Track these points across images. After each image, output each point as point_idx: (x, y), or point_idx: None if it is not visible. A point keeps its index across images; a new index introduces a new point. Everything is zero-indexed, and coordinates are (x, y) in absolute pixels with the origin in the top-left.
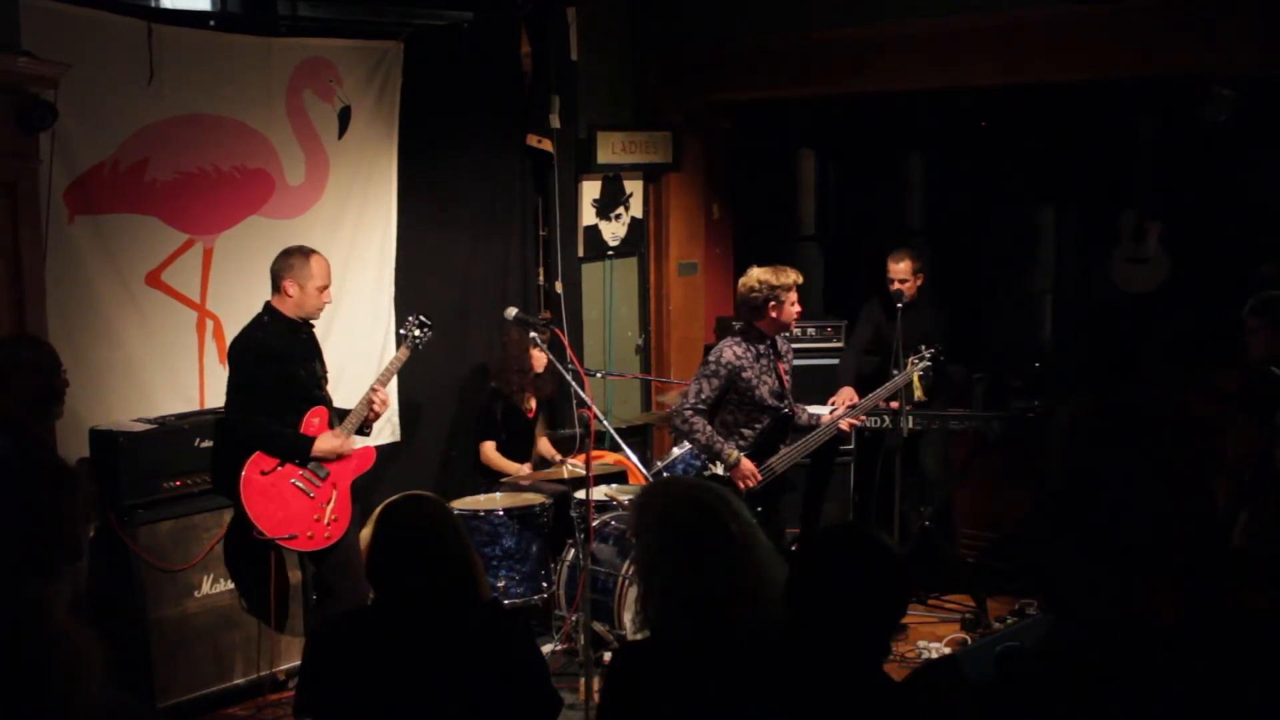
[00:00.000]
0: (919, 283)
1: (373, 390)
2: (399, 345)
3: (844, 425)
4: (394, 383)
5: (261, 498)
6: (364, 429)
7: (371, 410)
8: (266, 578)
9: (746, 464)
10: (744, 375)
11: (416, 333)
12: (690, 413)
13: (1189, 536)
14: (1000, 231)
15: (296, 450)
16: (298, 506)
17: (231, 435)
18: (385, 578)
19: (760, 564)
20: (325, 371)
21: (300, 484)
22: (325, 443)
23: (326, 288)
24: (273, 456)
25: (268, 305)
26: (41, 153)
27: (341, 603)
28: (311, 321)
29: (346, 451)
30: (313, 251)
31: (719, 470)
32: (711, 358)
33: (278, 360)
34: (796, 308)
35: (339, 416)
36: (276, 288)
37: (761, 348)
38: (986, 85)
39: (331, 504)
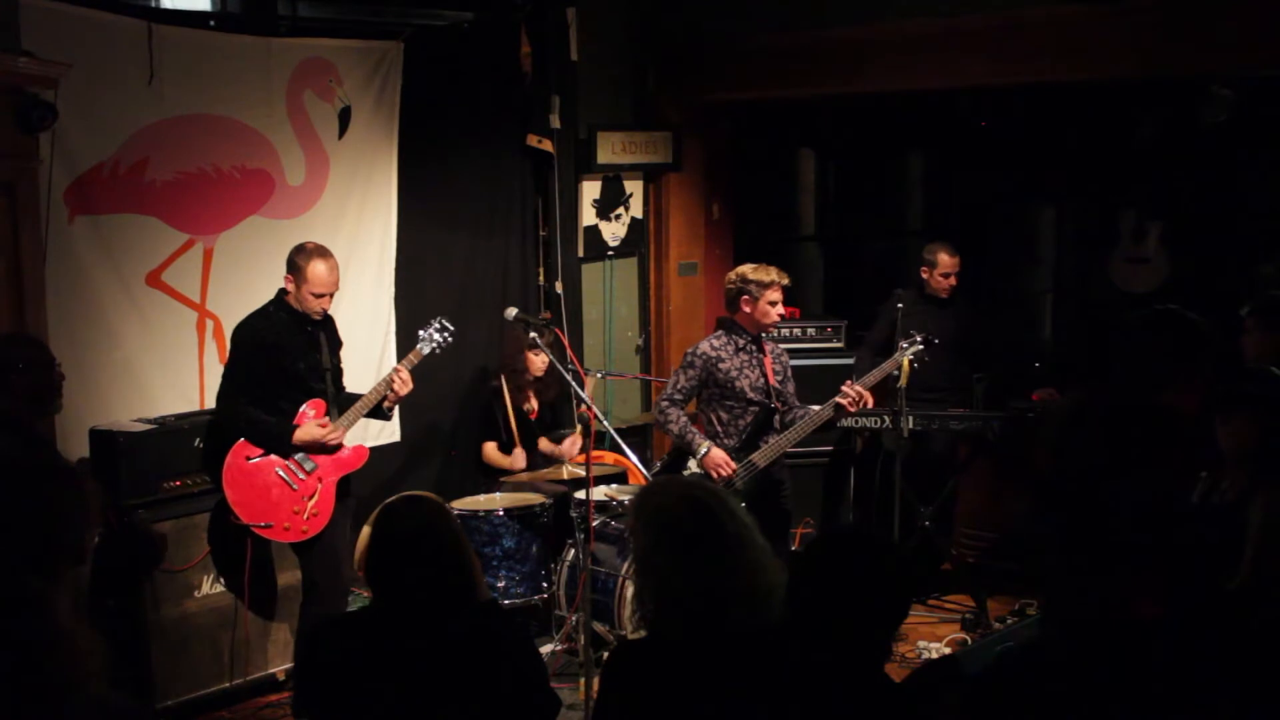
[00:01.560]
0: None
1: (395, 370)
2: (416, 343)
3: (844, 400)
4: None
5: (242, 483)
6: (383, 412)
7: (392, 391)
8: (243, 564)
9: (716, 453)
10: (721, 366)
11: (437, 337)
12: (666, 404)
13: (1180, 531)
14: (1000, 231)
15: (277, 441)
16: (278, 496)
17: (222, 421)
18: (383, 578)
19: (755, 563)
20: (338, 363)
21: (284, 474)
22: (305, 432)
23: (323, 296)
24: (255, 445)
25: (279, 292)
26: (41, 153)
27: (323, 597)
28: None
29: (331, 440)
30: (319, 257)
31: (692, 465)
32: (689, 351)
33: (272, 350)
34: (777, 310)
35: (342, 408)
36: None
37: (742, 341)
38: (986, 85)
39: (314, 498)
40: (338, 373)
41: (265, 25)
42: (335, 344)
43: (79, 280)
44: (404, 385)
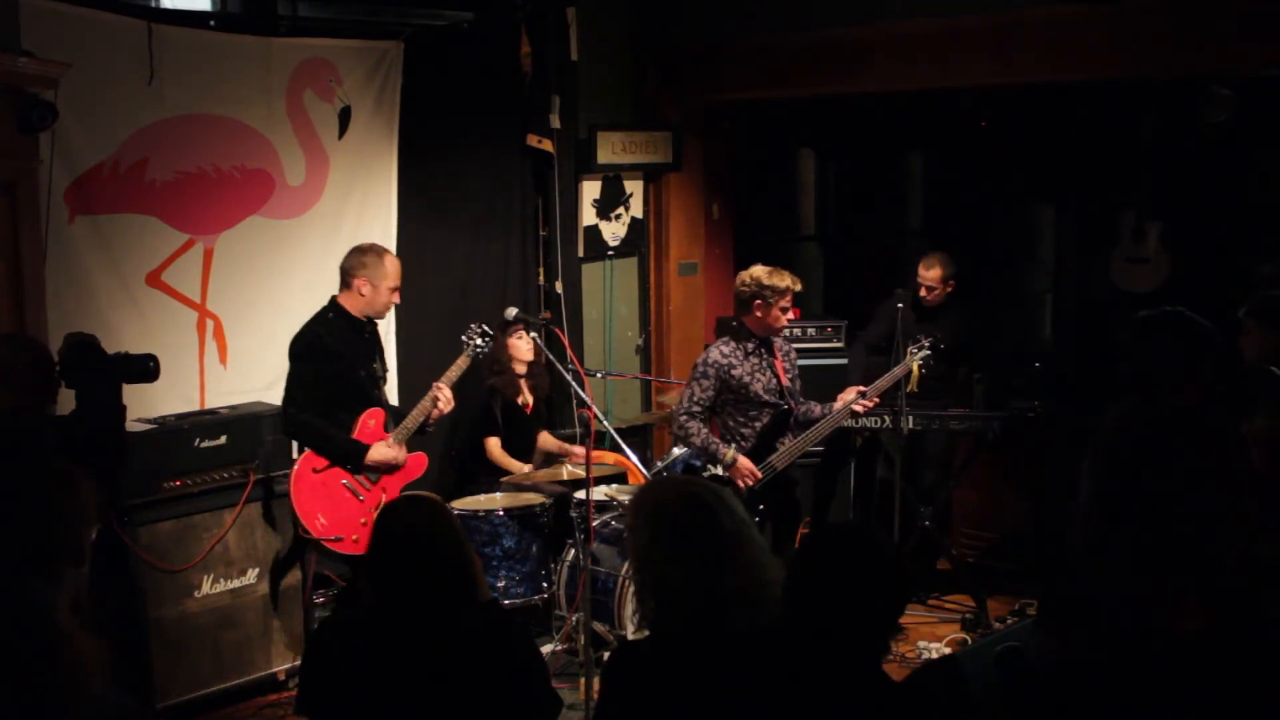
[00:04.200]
0: (948, 290)
1: (436, 388)
2: (461, 351)
3: (857, 408)
4: (394, 381)
5: (311, 497)
6: (424, 427)
7: (436, 408)
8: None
9: (744, 462)
10: (734, 373)
11: (478, 341)
12: (685, 418)
13: (1228, 545)
14: (1000, 231)
15: (349, 457)
16: (346, 509)
17: (290, 434)
18: (384, 577)
19: (753, 562)
20: (385, 371)
21: (350, 485)
22: (379, 452)
23: (398, 289)
24: (324, 459)
25: (334, 301)
26: (41, 153)
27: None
28: (375, 320)
29: (400, 462)
30: (386, 251)
31: (719, 471)
32: (699, 361)
33: (336, 358)
34: (787, 315)
35: (395, 417)
36: (347, 284)
37: (751, 346)
38: (986, 85)
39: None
40: (384, 381)
41: (265, 25)
42: (381, 352)
43: (79, 280)
44: (447, 403)
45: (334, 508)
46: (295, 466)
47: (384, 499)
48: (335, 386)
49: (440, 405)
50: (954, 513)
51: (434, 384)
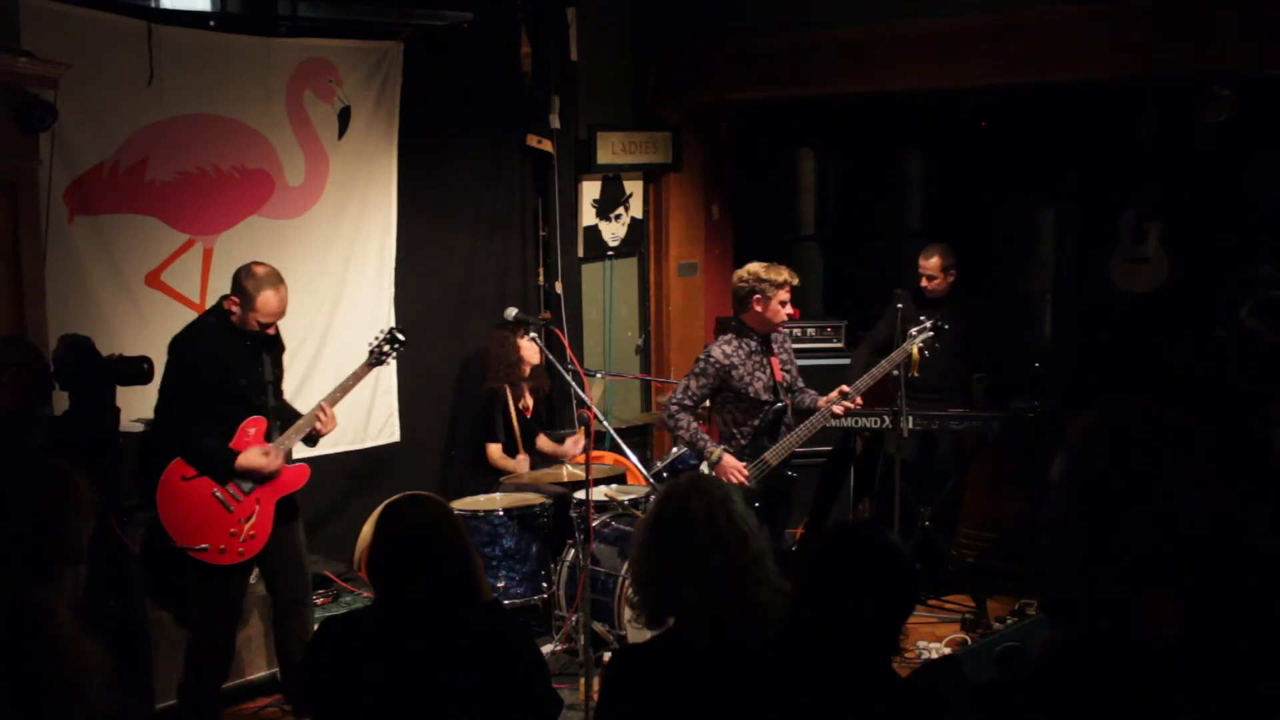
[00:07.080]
0: (950, 279)
1: (320, 409)
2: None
3: (837, 409)
4: (394, 382)
5: (175, 504)
6: (312, 440)
7: (318, 423)
8: (182, 592)
9: (729, 460)
10: (734, 373)
11: (386, 348)
12: (676, 408)
13: (1200, 546)
14: (1000, 231)
15: (218, 467)
16: (214, 518)
17: (160, 440)
18: (385, 577)
19: (755, 567)
20: (280, 374)
21: (220, 495)
22: (249, 458)
23: (269, 325)
24: (193, 468)
25: (219, 302)
26: (41, 153)
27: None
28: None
29: (273, 468)
30: (269, 288)
31: (704, 469)
32: (701, 355)
33: (213, 366)
34: (786, 310)
35: (284, 422)
36: (230, 293)
37: (752, 344)
38: (986, 85)
39: (251, 519)
40: (279, 385)
41: (265, 25)
42: (278, 351)
43: (79, 280)
44: (331, 422)
45: (201, 516)
46: (164, 473)
47: (258, 509)
48: (214, 394)
49: (319, 424)
50: (958, 514)
51: (320, 402)
